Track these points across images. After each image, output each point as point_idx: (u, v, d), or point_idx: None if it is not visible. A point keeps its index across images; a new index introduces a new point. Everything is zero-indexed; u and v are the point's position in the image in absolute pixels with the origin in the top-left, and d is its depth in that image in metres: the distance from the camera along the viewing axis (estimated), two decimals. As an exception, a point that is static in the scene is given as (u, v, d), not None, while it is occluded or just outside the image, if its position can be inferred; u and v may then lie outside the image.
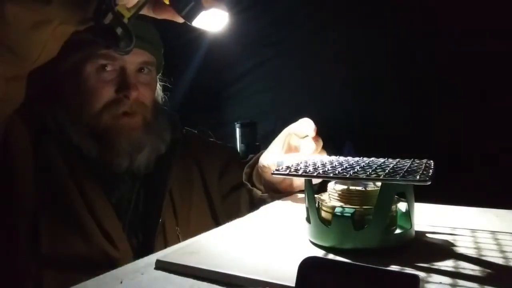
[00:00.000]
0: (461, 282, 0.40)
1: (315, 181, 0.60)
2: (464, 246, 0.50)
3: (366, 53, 1.66)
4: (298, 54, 1.87)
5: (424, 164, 0.52)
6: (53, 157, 0.77)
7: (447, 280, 0.41)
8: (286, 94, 1.95)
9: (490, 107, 1.44)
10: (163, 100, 0.97)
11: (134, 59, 0.82)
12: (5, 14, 0.51)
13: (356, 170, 0.50)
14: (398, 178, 0.45)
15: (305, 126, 0.76)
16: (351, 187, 0.51)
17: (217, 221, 0.91)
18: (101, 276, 0.46)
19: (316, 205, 0.52)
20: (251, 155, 1.04)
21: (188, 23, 0.60)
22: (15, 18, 0.51)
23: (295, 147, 0.79)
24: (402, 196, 0.52)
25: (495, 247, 0.49)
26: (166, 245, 0.80)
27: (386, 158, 0.58)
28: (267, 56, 1.98)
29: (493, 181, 1.36)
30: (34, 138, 0.77)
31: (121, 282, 0.44)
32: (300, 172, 0.51)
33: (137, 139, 0.83)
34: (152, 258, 0.49)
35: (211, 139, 1.06)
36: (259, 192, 0.87)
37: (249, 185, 0.90)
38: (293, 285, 0.32)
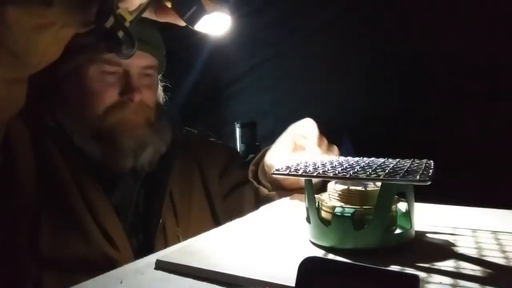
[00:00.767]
0: (461, 282, 0.40)
1: (315, 180, 0.60)
2: (464, 246, 0.50)
3: (366, 53, 1.66)
4: (298, 54, 1.87)
5: (424, 164, 0.52)
6: (53, 157, 0.77)
7: (447, 280, 0.41)
8: (286, 94, 1.95)
9: (490, 107, 1.44)
10: (164, 100, 0.97)
11: (137, 62, 0.82)
12: (6, 18, 0.51)
13: (356, 170, 0.50)
14: (398, 178, 0.45)
15: (308, 127, 0.76)
16: (351, 187, 0.51)
17: (217, 221, 0.91)
18: (101, 276, 0.46)
19: (316, 205, 0.52)
20: (251, 155, 1.04)
21: (191, 27, 0.60)
22: (16, 21, 0.51)
23: (301, 146, 0.80)
24: (402, 196, 0.52)
25: (495, 247, 0.49)
26: (166, 245, 0.80)
27: (386, 158, 0.58)
28: (267, 56, 1.98)
29: (493, 181, 1.36)
30: (34, 138, 0.77)
31: (121, 282, 0.44)
32: (300, 172, 0.51)
33: (141, 136, 0.83)
34: (152, 258, 0.49)
35: (211, 139, 1.06)
36: (265, 190, 0.87)
37: (255, 183, 0.90)
38: (293, 285, 0.32)
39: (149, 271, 0.47)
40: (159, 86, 0.94)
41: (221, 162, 0.98)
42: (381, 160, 0.57)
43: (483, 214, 0.63)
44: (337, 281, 0.31)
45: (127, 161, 0.81)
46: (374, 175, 0.47)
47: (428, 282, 0.40)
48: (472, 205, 0.66)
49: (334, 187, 0.53)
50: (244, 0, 1.90)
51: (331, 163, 0.55)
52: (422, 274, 0.42)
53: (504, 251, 0.48)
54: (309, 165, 0.54)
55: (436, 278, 0.41)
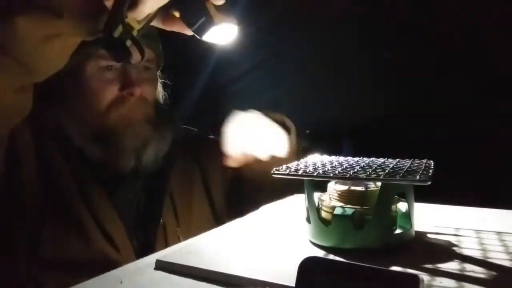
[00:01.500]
0: (461, 283, 0.40)
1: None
2: (464, 246, 0.50)
3: (366, 53, 1.66)
4: (298, 54, 1.87)
5: (424, 164, 0.52)
6: (54, 159, 0.77)
7: (447, 280, 0.41)
8: (286, 94, 1.95)
9: (490, 106, 1.44)
10: (164, 97, 0.97)
11: (135, 56, 0.81)
12: (16, 29, 0.51)
13: (356, 170, 0.50)
14: (398, 178, 0.45)
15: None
16: (351, 187, 0.51)
17: (218, 221, 0.91)
18: (101, 276, 0.46)
19: (316, 205, 0.52)
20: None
21: (198, 38, 0.60)
22: (26, 32, 0.51)
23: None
24: (402, 196, 0.52)
25: (495, 247, 0.49)
26: (166, 246, 0.80)
27: (386, 158, 0.58)
28: (266, 56, 1.98)
29: (493, 181, 1.36)
30: (35, 139, 0.76)
31: (121, 282, 0.44)
32: (300, 172, 0.51)
33: (142, 134, 0.83)
34: (152, 258, 0.49)
35: (211, 137, 1.06)
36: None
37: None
38: (293, 285, 0.32)
39: (149, 271, 0.47)
40: (158, 83, 0.94)
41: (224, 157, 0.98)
42: (381, 160, 0.57)
43: (482, 214, 0.63)
44: (337, 281, 0.31)
45: (129, 160, 0.81)
46: (374, 175, 0.47)
47: (428, 282, 0.40)
48: (472, 205, 0.66)
49: (334, 187, 0.53)
50: (244, 0, 1.90)
51: (331, 163, 0.55)
52: (422, 274, 0.42)
53: (505, 252, 0.48)
54: (309, 165, 0.54)
55: (436, 278, 0.41)
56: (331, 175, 0.49)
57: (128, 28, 0.53)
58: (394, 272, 0.32)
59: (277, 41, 1.93)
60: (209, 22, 0.57)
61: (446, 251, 0.48)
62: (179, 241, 0.82)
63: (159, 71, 0.94)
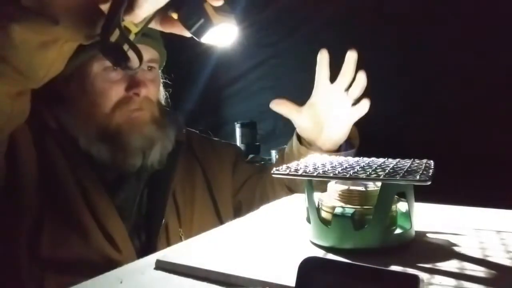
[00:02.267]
0: (462, 283, 0.40)
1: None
2: (464, 246, 0.49)
3: (366, 53, 1.66)
4: (298, 54, 1.87)
5: (424, 164, 0.52)
6: (56, 159, 0.76)
7: (447, 280, 0.41)
8: (286, 94, 1.95)
9: (490, 106, 1.44)
10: (165, 97, 0.97)
11: (134, 60, 0.81)
12: (12, 36, 0.50)
13: (356, 170, 0.50)
14: (398, 178, 0.45)
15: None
16: (351, 187, 0.51)
17: (221, 222, 0.91)
18: (101, 276, 0.46)
19: (316, 205, 0.52)
20: (251, 155, 1.04)
21: (197, 40, 0.59)
22: (22, 39, 0.51)
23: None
24: (402, 196, 0.52)
25: (495, 247, 0.49)
26: (168, 246, 0.80)
27: (386, 158, 0.58)
28: (266, 56, 1.98)
29: (493, 181, 1.36)
30: (36, 140, 0.76)
31: (121, 282, 0.44)
32: (300, 172, 0.51)
33: (148, 134, 0.83)
34: (152, 258, 0.49)
35: (213, 138, 1.06)
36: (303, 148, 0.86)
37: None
38: (293, 285, 0.32)
39: (149, 271, 0.47)
40: (160, 83, 0.94)
41: (230, 161, 0.99)
42: (381, 160, 0.57)
43: (483, 214, 0.63)
44: (337, 281, 0.31)
45: (136, 160, 0.81)
46: (374, 175, 0.47)
47: (428, 282, 0.40)
48: (471, 205, 0.66)
49: (334, 187, 0.53)
50: (244, 0, 1.90)
51: (331, 163, 0.55)
52: (422, 274, 0.42)
53: (505, 252, 0.48)
54: (309, 165, 0.54)
55: (436, 278, 0.41)
56: (331, 175, 0.49)
57: (124, 32, 0.53)
58: (394, 272, 0.32)
59: (277, 40, 1.93)
60: (207, 23, 0.56)
61: (446, 251, 0.48)
62: (181, 241, 0.82)
63: (161, 72, 0.94)
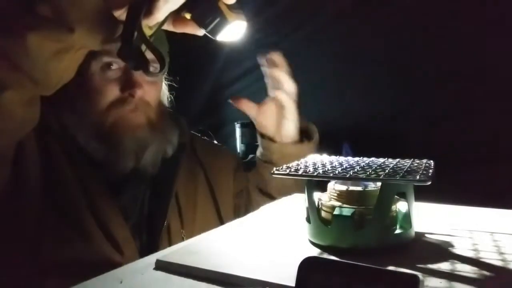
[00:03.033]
0: (461, 283, 0.40)
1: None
2: (464, 247, 0.49)
3: (366, 53, 1.66)
4: (298, 54, 1.87)
5: (424, 164, 0.52)
6: (58, 159, 0.76)
7: (447, 280, 0.41)
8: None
9: (490, 106, 1.43)
10: (169, 99, 0.97)
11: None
12: (28, 45, 0.51)
13: (356, 170, 0.50)
14: (398, 178, 0.45)
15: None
16: (351, 187, 0.51)
17: (222, 223, 0.91)
18: (101, 276, 0.46)
19: (316, 205, 0.52)
20: (251, 155, 1.05)
21: (212, 38, 0.59)
22: (37, 48, 0.51)
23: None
24: (402, 196, 0.52)
25: (495, 248, 0.49)
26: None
27: (386, 158, 0.58)
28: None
29: (493, 181, 1.36)
30: (39, 140, 0.76)
31: (121, 282, 0.44)
32: (300, 172, 0.51)
33: (142, 137, 0.83)
34: (152, 258, 0.49)
35: (216, 143, 1.08)
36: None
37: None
38: (293, 285, 0.32)
39: (149, 271, 0.47)
40: (164, 85, 0.93)
41: (233, 168, 1.01)
42: (381, 160, 0.57)
43: (483, 214, 0.63)
44: (337, 281, 0.31)
45: (127, 162, 0.81)
46: (374, 175, 0.47)
47: (428, 282, 0.40)
48: (472, 205, 0.66)
49: (334, 187, 0.53)
50: (245, 0, 1.90)
51: (331, 163, 0.55)
52: (422, 275, 0.42)
53: (504, 253, 0.47)
54: (309, 165, 0.54)
55: (436, 278, 0.41)
56: (331, 175, 0.49)
57: (145, 36, 0.53)
58: (394, 272, 0.32)
59: (278, 40, 1.93)
60: (223, 22, 0.57)
61: (446, 251, 0.48)
62: (183, 242, 0.82)
63: (165, 73, 0.94)
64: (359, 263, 0.31)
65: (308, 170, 0.51)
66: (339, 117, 1.67)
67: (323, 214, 0.52)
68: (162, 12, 0.53)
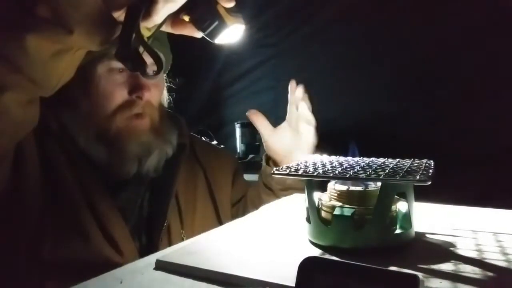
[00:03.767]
0: (461, 283, 0.40)
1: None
2: (464, 247, 0.49)
3: (366, 53, 1.66)
4: (298, 54, 1.87)
5: (424, 164, 0.52)
6: (57, 160, 0.76)
7: (447, 281, 0.41)
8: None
9: (490, 107, 1.44)
10: (168, 101, 0.97)
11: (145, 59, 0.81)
12: (27, 46, 0.50)
13: (356, 170, 0.50)
14: (398, 178, 0.45)
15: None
16: (351, 187, 0.51)
17: (220, 224, 0.91)
18: (101, 276, 0.46)
19: (316, 205, 0.52)
20: (251, 155, 1.05)
21: (211, 41, 0.59)
22: (36, 49, 0.51)
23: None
24: (402, 196, 0.52)
25: (495, 248, 0.49)
26: None
27: (386, 158, 0.58)
28: (267, 56, 1.98)
29: (493, 181, 1.36)
30: (38, 141, 0.76)
31: (121, 282, 0.44)
32: (300, 172, 0.51)
33: (146, 142, 0.82)
34: (152, 258, 0.49)
35: (215, 144, 1.08)
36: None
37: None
38: (293, 285, 0.32)
39: (149, 271, 0.47)
40: (164, 87, 0.93)
41: (232, 170, 1.01)
42: (381, 160, 0.57)
43: (483, 214, 0.63)
44: (337, 281, 0.31)
45: (131, 167, 0.81)
46: (374, 175, 0.47)
47: (428, 282, 0.40)
48: (472, 205, 0.66)
49: (334, 187, 0.53)
50: (245, 0, 1.90)
51: (331, 163, 0.55)
52: (422, 275, 0.42)
53: (504, 253, 0.47)
54: (309, 165, 0.54)
55: (436, 278, 0.41)
56: (331, 175, 0.49)
57: (143, 38, 0.53)
58: (394, 272, 0.32)
59: (278, 40, 1.93)
60: (221, 25, 0.57)
61: (446, 251, 0.48)
62: (183, 243, 0.82)
63: (165, 75, 0.94)
64: (359, 263, 0.31)
65: (308, 170, 0.51)
66: (339, 117, 1.67)
67: (323, 214, 0.52)
68: (160, 14, 0.53)
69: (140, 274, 0.46)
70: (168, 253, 0.50)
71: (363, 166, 0.52)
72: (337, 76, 1.74)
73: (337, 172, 0.49)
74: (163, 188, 0.85)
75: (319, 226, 0.50)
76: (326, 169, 0.51)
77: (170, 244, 0.82)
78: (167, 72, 0.94)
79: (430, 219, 0.60)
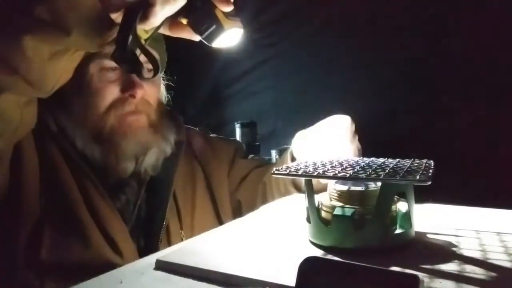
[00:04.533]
0: (461, 283, 0.40)
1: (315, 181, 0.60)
2: (464, 247, 0.49)
3: (366, 53, 1.66)
4: (298, 54, 1.87)
5: (424, 164, 0.52)
6: (56, 161, 0.76)
7: (447, 280, 0.41)
8: (286, 94, 1.95)
9: (490, 107, 1.44)
10: (167, 99, 0.97)
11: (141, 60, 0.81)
12: (25, 48, 0.50)
13: (356, 170, 0.50)
14: (398, 178, 0.45)
15: (342, 127, 0.75)
16: (351, 187, 0.51)
17: (220, 223, 0.91)
18: (101, 276, 0.46)
19: (316, 205, 0.52)
20: (251, 155, 1.04)
21: (208, 45, 0.59)
22: (34, 51, 0.51)
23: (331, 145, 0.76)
24: (402, 196, 0.52)
25: (495, 248, 0.49)
26: None
27: (386, 158, 0.58)
28: (267, 56, 1.98)
29: (493, 181, 1.36)
30: (38, 142, 0.76)
31: (121, 282, 0.44)
32: (300, 172, 0.51)
33: (143, 140, 0.82)
34: (152, 258, 0.49)
35: (213, 135, 1.06)
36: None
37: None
38: (293, 285, 0.32)
39: (149, 271, 0.47)
40: (162, 85, 0.93)
41: (228, 159, 0.99)
42: (381, 160, 0.57)
43: (484, 215, 0.63)
44: (337, 281, 0.31)
45: (127, 165, 0.80)
46: (374, 175, 0.47)
47: (428, 282, 0.40)
48: (473, 205, 0.66)
49: (334, 187, 0.53)
50: (245, 0, 1.90)
51: (331, 163, 0.55)
52: (422, 275, 0.42)
53: (506, 253, 0.47)
54: (309, 165, 0.54)
55: (436, 278, 0.41)
56: (331, 175, 0.49)
57: (139, 40, 0.53)
58: (394, 272, 0.32)
59: (278, 41, 1.93)
60: (219, 29, 0.57)
61: (446, 251, 0.48)
62: (182, 243, 0.82)
63: (163, 73, 0.94)
64: (359, 263, 0.31)
65: (308, 170, 0.51)
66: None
67: (323, 214, 0.52)
68: (158, 17, 0.53)
69: (140, 274, 0.46)
70: (168, 253, 0.50)
71: (363, 166, 0.52)
72: (337, 76, 1.74)
73: (337, 172, 0.49)
74: (161, 187, 0.85)
75: (319, 226, 0.50)
76: (326, 169, 0.51)
77: (169, 244, 0.82)
78: (163, 70, 0.93)
79: (430, 219, 0.60)
